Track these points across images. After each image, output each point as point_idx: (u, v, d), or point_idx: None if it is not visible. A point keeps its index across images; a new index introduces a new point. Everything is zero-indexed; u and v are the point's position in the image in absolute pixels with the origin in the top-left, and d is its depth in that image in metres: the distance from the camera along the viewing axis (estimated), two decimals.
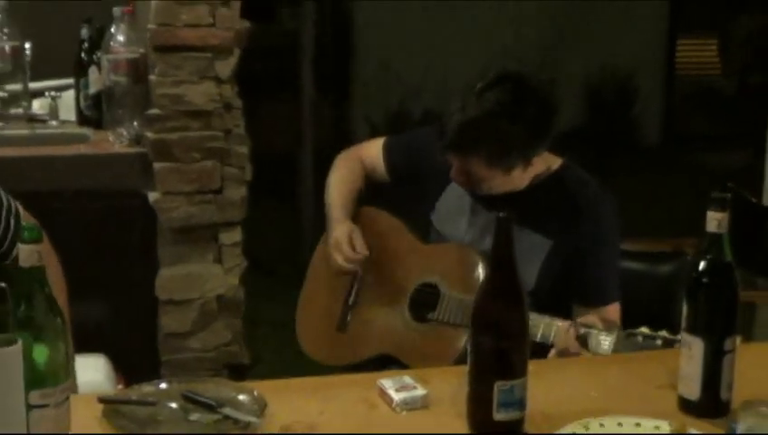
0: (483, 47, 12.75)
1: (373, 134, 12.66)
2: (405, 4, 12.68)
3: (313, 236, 3.87)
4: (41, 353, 2.30)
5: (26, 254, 2.32)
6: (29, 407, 2.26)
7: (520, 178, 3.37)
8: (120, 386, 3.12)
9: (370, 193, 3.82)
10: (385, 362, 3.52)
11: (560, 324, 3.15)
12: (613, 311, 3.33)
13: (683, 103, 15.34)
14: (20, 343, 2.21)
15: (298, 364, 3.75)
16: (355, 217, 3.75)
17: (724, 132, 13.55)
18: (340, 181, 3.82)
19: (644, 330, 3.03)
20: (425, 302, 3.49)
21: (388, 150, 3.78)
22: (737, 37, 15.86)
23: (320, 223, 3.85)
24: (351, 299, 3.69)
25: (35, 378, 2.28)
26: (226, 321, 4.72)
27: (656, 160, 13.02)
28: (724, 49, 16.08)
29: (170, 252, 4.64)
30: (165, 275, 4.64)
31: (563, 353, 3.11)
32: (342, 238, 3.60)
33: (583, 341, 3.08)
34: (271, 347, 5.03)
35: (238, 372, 4.67)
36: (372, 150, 3.83)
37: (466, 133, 3.27)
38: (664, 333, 3.01)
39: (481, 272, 3.38)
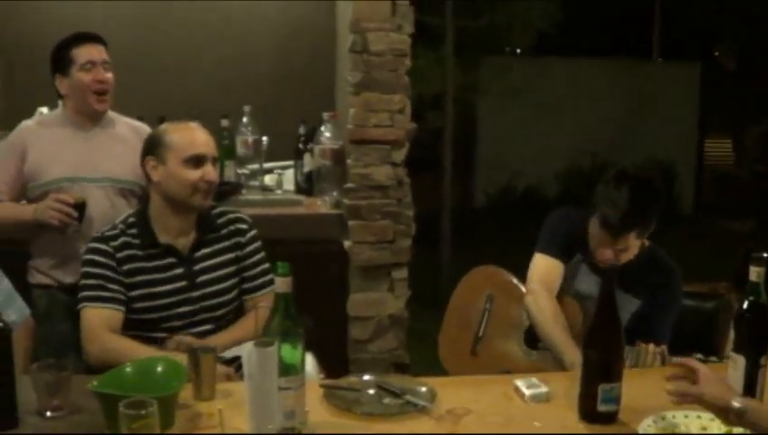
0: (566, 141, 12.75)
1: (489, 202, 12.94)
2: (512, 110, 12.70)
3: (449, 274, 3.82)
4: (287, 352, 2.35)
5: (279, 283, 2.38)
6: (279, 389, 2.31)
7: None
8: (322, 376, 3.12)
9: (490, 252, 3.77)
10: None
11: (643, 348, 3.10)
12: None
13: (708, 184, 15.16)
14: (276, 344, 2.27)
15: (441, 364, 3.74)
16: (481, 274, 3.71)
17: (736, 205, 13.36)
18: (555, 323, 3.33)
19: (698, 356, 3.00)
20: (535, 335, 3.41)
21: (548, 253, 3.47)
22: (747, 138, 15.70)
23: (454, 264, 3.82)
24: (481, 332, 3.62)
25: (283, 369, 2.33)
26: (395, 332, 4.71)
27: (689, 224, 12.86)
28: (737, 146, 15.92)
29: (358, 283, 4.66)
30: (354, 298, 4.67)
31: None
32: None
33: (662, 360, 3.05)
34: (422, 352, 5.01)
35: (402, 370, 4.66)
36: (549, 270, 3.45)
37: (629, 218, 3.16)
38: (714, 359, 2.99)
39: (577, 316, 3.35)
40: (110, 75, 3.81)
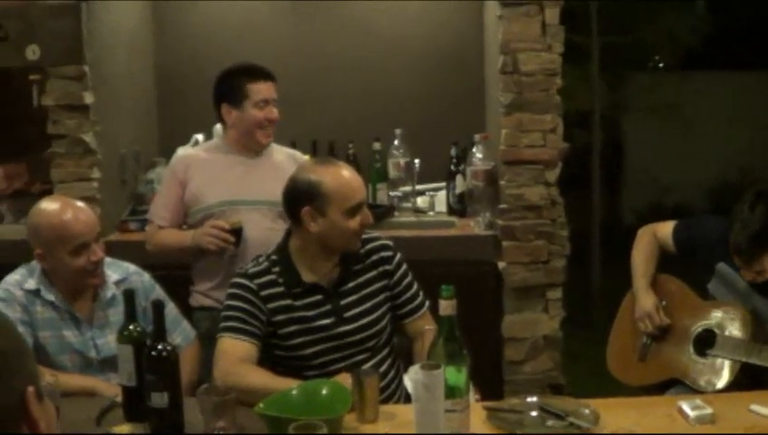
0: (715, 156, 12.52)
1: (638, 220, 12.68)
2: (659, 126, 12.52)
3: (599, 292, 3.80)
4: (452, 375, 2.36)
5: (443, 306, 2.40)
6: (445, 411, 2.32)
7: None
8: (477, 397, 3.10)
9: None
10: (670, 384, 3.47)
11: None
12: None
13: None
14: (442, 367, 2.28)
15: (594, 385, 3.70)
16: (653, 281, 3.69)
17: None
18: (642, 252, 3.75)
19: None
20: (705, 341, 3.40)
21: (676, 232, 3.67)
22: None
23: (604, 283, 3.79)
24: (650, 338, 3.63)
25: (448, 391, 2.34)
26: (549, 353, 4.66)
27: None
28: None
29: (512, 304, 4.62)
30: (508, 319, 4.63)
31: None
32: (651, 311, 3.57)
33: None
34: (575, 372, 4.96)
35: (556, 391, 4.60)
36: (666, 230, 3.72)
37: (758, 241, 3.16)
38: None
39: (748, 322, 3.29)
40: (276, 111, 3.90)
